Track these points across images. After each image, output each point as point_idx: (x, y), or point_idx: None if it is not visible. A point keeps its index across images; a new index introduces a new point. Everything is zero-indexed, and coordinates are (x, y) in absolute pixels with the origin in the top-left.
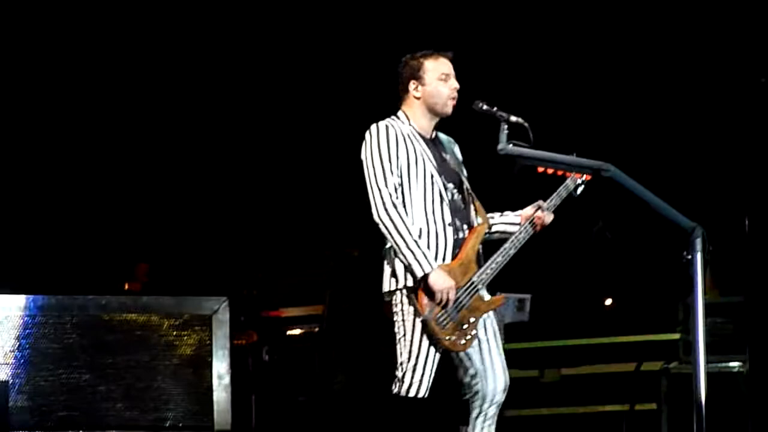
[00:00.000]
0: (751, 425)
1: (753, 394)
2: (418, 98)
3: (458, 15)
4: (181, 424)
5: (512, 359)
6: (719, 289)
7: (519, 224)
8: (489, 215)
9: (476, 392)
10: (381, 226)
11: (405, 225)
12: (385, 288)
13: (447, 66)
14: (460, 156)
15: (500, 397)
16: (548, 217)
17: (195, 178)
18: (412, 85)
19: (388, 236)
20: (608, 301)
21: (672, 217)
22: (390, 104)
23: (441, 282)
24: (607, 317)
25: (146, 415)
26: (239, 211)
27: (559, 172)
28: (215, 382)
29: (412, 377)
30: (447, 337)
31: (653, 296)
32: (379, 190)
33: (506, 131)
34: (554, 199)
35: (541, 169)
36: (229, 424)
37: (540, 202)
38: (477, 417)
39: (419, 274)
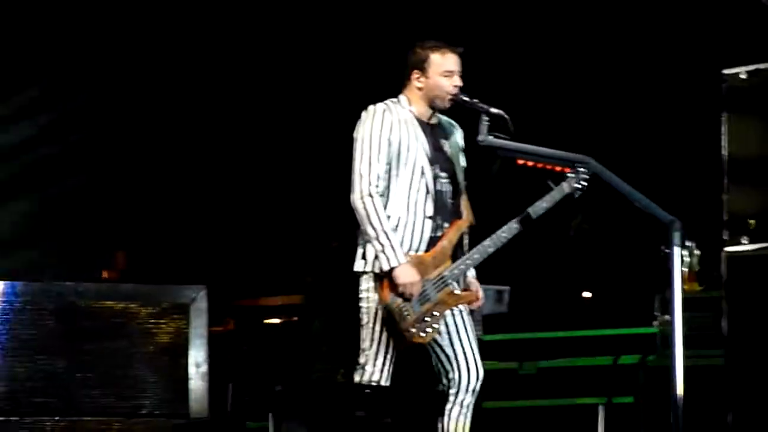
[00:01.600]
0: (729, 418)
1: (730, 387)
2: (419, 88)
3: (437, 8)
4: (157, 412)
5: (490, 351)
6: (697, 282)
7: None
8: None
9: (450, 382)
10: (356, 212)
11: (378, 215)
12: (356, 267)
13: (453, 62)
14: (461, 142)
15: (474, 386)
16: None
17: (173, 165)
18: (415, 74)
19: (362, 223)
20: (587, 294)
21: (650, 211)
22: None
23: (406, 276)
24: (585, 310)
25: (123, 402)
26: (219, 201)
27: (539, 165)
28: (192, 370)
29: (374, 364)
30: (408, 329)
31: (632, 289)
32: (361, 176)
33: (486, 123)
34: (550, 199)
35: (521, 162)
36: (206, 412)
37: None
38: (452, 407)
39: (385, 267)
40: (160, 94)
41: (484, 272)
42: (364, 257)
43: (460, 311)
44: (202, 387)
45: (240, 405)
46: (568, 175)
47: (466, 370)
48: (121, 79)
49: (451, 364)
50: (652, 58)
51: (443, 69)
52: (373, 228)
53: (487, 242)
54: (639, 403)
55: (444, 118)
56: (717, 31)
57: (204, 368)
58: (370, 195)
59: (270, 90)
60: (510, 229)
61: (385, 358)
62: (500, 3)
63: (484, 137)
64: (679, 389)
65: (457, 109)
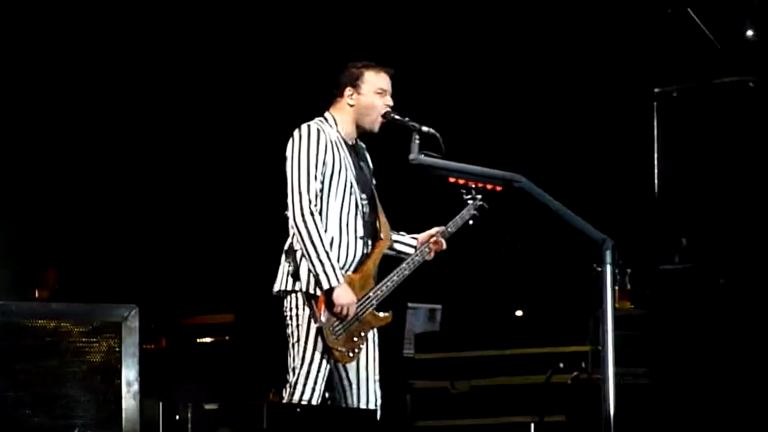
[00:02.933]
0: None
1: (658, 405)
2: (351, 106)
3: (366, 27)
4: (90, 431)
5: (422, 369)
6: (630, 300)
7: (414, 246)
8: (394, 232)
9: (348, 405)
10: (296, 231)
11: (319, 234)
12: (281, 287)
13: (386, 82)
14: (371, 164)
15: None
16: (443, 244)
17: (104, 182)
18: (348, 91)
19: (301, 242)
20: (519, 312)
21: (582, 229)
22: (311, 110)
23: (344, 298)
24: (517, 328)
25: (55, 422)
26: (149, 217)
27: (471, 183)
28: (124, 389)
29: (305, 384)
30: (338, 348)
31: (564, 308)
32: (300, 195)
33: (418, 141)
34: (453, 225)
35: (452, 180)
36: (138, 431)
37: (438, 228)
38: None
39: (325, 286)
40: (94, 106)
41: (417, 290)
42: (296, 276)
43: (372, 337)
44: (134, 406)
45: (171, 424)
46: (468, 201)
47: (366, 394)
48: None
49: (350, 391)
50: (584, 75)
51: (377, 87)
52: (314, 246)
53: (403, 265)
54: (570, 421)
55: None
56: (649, 49)
57: (135, 387)
58: (311, 213)
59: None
60: (422, 252)
61: (316, 376)
62: (429, 21)
63: (416, 156)
64: (611, 407)
65: (388, 129)
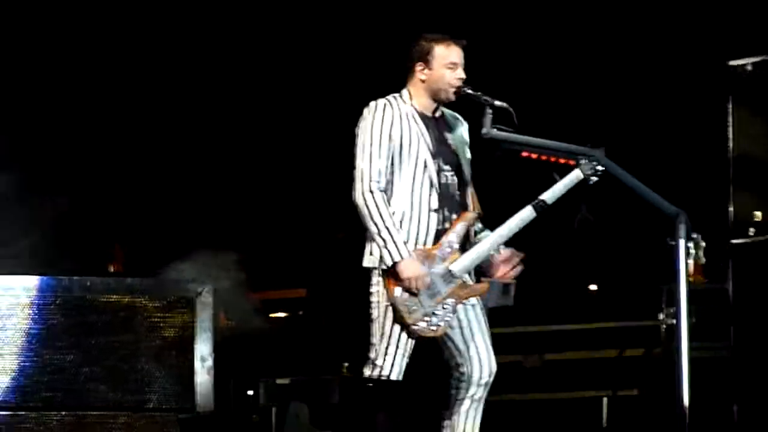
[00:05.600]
0: (735, 411)
1: (736, 379)
2: (423, 81)
3: (439, 2)
4: (164, 406)
5: (495, 344)
6: (703, 275)
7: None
8: (486, 232)
9: (461, 375)
10: (358, 209)
11: (380, 211)
12: (364, 263)
13: (457, 54)
14: (466, 137)
15: (486, 380)
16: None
17: (174, 157)
18: (419, 66)
19: (364, 220)
20: (592, 287)
21: (656, 203)
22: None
23: (411, 270)
24: (590, 302)
25: (129, 397)
26: (223, 194)
27: (543, 157)
28: (198, 364)
29: (384, 359)
30: (415, 323)
31: (637, 282)
32: (362, 172)
33: (490, 116)
34: (556, 190)
35: (525, 154)
36: (212, 406)
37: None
38: (464, 399)
39: (389, 262)
40: (155, 90)
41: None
42: (371, 253)
43: (473, 305)
44: (208, 381)
45: (244, 399)
46: (581, 161)
47: (478, 364)
48: (116, 79)
49: (463, 358)
50: (656, 49)
51: (447, 61)
52: (375, 224)
53: (497, 233)
54: (644, 395)
55: (448, 111)
56: (722, 23)
57: (209, 362)
58: (371, 191)
59: (275, 84)
60: (522, 218)
61: (395, 353)
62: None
63: (488, 130)
64: (685, 381)
65: (461, 102)
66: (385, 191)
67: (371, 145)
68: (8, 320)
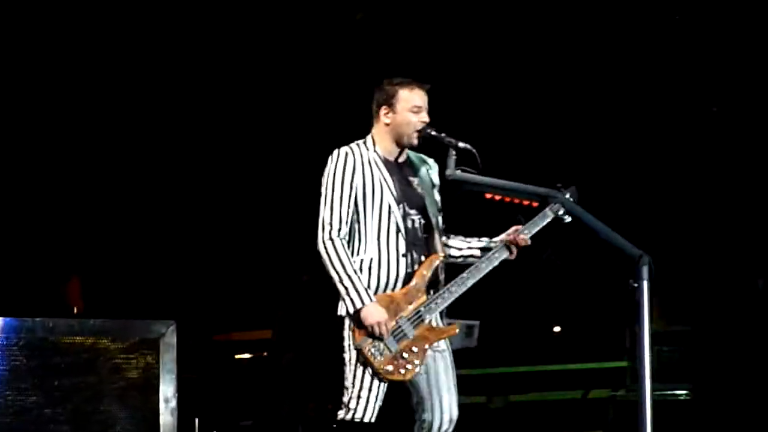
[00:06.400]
0: None
1: (698, 421)
2: (387, 125)
3: (401, 46)
4: None
5: (460, 385)
6: (666, 318)
7: (489, 248)
8: (467, 239)
9: (422, 422)
10: (321, 256)
11: (340, 259)
12: (339, 312)
13: (420, 98)
14: (435, 178)
15: (445, 429)
16: (525, 240)
17: (144, 199)
18: (383, 110)
19: (326, 268)
20: (556, 329)
21: (619, 245)
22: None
23: (373, 317)
24: (555, 344)
25: None
26: (187, 236)
27: (507, 199)
28: (162, 405)
29: (357, 403)
30: (382, 367)
31: (601, 324)
32: (323, 220)
33: (454, 157)
34: (530, 227)
35: (488, 196)
36: None
37: (517, 227)
38: None
39: (350, 309)
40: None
41: (454, 307)
42: (343, 300)
43: (442, 351)
44: (172, 423)
45: None
46: (560, 201)
47: (439, 412)
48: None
49: (425, 404)
50: (623, 93)
51: (411, 104)
52: (336, 272)
53: (465, 274)
54: None
55: (415, 154)
56: (688, 66)
57: (173, 403)
58: (331, 239)
59: (238, 120)
60: (489, 259)
61: (368, 396)
62: (465, 39)
63: (452, 171)
64: (648, 424)
65: (425, 145)
66: (349, 239)
67: (333, 193)
68: None
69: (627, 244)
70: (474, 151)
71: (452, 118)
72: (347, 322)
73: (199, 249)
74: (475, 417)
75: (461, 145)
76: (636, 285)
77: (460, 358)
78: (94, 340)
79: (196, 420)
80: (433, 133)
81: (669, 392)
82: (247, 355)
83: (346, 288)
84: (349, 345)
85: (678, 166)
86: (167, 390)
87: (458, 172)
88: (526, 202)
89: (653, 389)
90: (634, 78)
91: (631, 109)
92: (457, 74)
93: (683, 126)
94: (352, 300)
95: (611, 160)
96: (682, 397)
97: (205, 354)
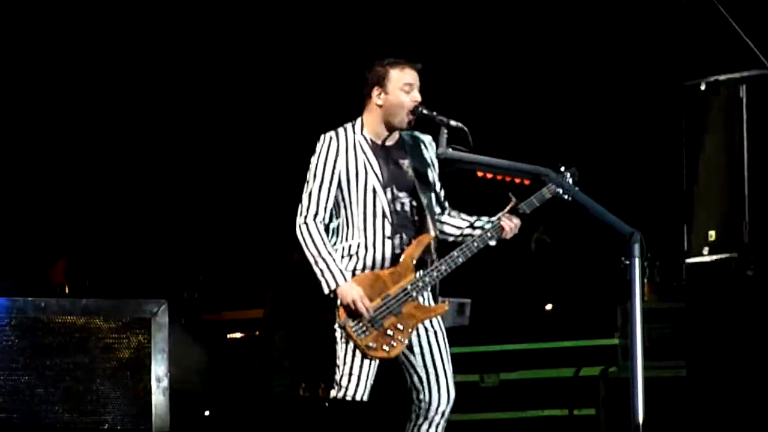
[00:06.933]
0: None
1: (691, 399)
2: (379, 106)
3: (403, 19)
4: (119, 427)
5: (452, 364)
6: (657, 294)
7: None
8: (469, 218)
9: (420, 402)
10: (298, 238)
11: (314, 242)
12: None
13: (412, 77)
14: (430, 156)
15: (443, 409)
16: (515, 224)
17: (136, 177)
18: (375, 91)
19: (304, 250)
20: (548, 306)
21: (611, 223)
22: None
23: (347, 295)
24: (546, 322)
25: (85, 418)
26: (179, 212)
27: (498, 177)
28: (154, 385)
29: (349, 381)
30: (366, 344)
31: (592, 301)
32: (301, 204)
33: (446, 135)
34: (528, 205)
35: (480, 174)
36: (168, 427)
37: (515, 206)
38: (421, 426)
39: (326, 290)
40: (120, 98)
41: (446, 285)
42: (319, 282)
43: (435, 331)
44: (164, 402)
45: (201, 420)
46: (551, 179)
47: (437, 392)
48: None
49: (422, 385)
50: (613, 68)
51: (403, 83)
52: (311, 254)
53: (455, 252)
54: (600, 414)
55: (408, 134)
56: (678, 42)
57: (165, 383)
58: (306, 224)
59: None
60: (481, 238)
61: (359, 374)
62: (461, 16)
63: (444, 149)
64: (640, 401)
65: (417, 123)
66: (338, 225)
67: (314, 178)
68: None
69: (619, 222)
70: (465, 129)
71: (445, 97)
72: (339, 301)
73: (190, 228)
74: (467, 395)
75: (453, 123)
76: (627, 262)
77: (452, 336)
78: (85, 320)
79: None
80: (425, 111)
81: (661, 369)
82: (239, 334)
83: (321, 270)
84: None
85: (669, 141)
86: (159, 369)
87: (450, 150)
88: (517, 180)
89: (645, 366)
90: (625, 52)
91: (624, 84)
92: (451, 52)
93: (675, 102)
94: (326, 281)
95: (603, 137)
96: (673, 375)
97: (197, 333)
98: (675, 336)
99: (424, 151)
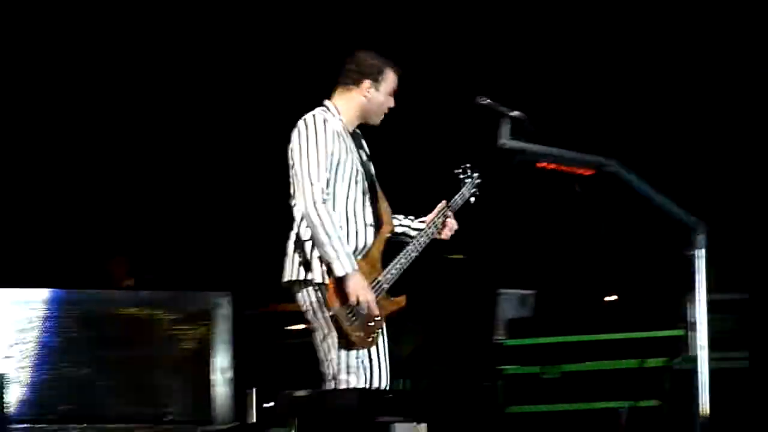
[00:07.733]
0: (753, 421)
1: (755, 389)
2: (365, 98)
3: (459, 9)
4: (182, 418)
5: (514, 355)
6: (722, 286)
7: (419, 229)
8: (397, 216)
9: (372, 385)
10: (308, 220)
11: (332, 222)
12: (292, 276)
13: (396, 83)
14: (368, 151)
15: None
16: (453, 223)
17: (198, 172)
18: (366, 83)
19: (315, 231)
20: (611, 297)
21: (674, 214)
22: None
23: (360, 285)
24: (610, 313)
25: (147, 409)
26: (236, 207)
27: (559, 167)
28: (216, 376)
29: (358, 371)
30: (356, 333)
31: (657, 292)
32: (311, 184)
33: (508, 126)
34: (454, 204)
35: (540, 164)
36: (231, 418)
37: (442, 204)
38: None
39: (339, 273)
40: (174, 100)
41: (510, 276)
42: (307, 266)
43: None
44: (226, 393)
45: (264, 411)
46: (465, 180)
47: (378, 378)
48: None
49: (372, 374)
50: (676, 58)
51: (393, 86)
52: (327, 234)
53: (410, 248)
54: (664, 406)
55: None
56: (744, 31)
57: (229, 374)
58: (323, 201)
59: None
60: (428, 233)
61: (362, 361)
62: (530, 5)
63: (505, 140)
64: (705, 392)
65: (476, 113)
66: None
67: (317, 155)
68: (27, 333)
69: (683, 212)
70: (527, 119)
71: (504, 86)
72: (315, 292)
73: (253, 221)
74: (529, 387)
75: (514, 113)
76: (692, 254)
77: (514, 327)
78: (149, 312)
79: (254, 390)
80: (487, 101)
81: (725, 360)
82: (300, 326)
83: (336, 251)
84: (323, 315)
85: (733, 132)
86: (222, 361)
87: (511, 140)
88: (578, 170)
89: (710, 358)
90: (683, 42)
91: (687, 74)
92: (508, 42)
93: (738, 91)
94: (342, 264)
95: (666, 127)
96: (738, 366)
97: (260, 325)
98: (739, 327)
99: (366, 148)
